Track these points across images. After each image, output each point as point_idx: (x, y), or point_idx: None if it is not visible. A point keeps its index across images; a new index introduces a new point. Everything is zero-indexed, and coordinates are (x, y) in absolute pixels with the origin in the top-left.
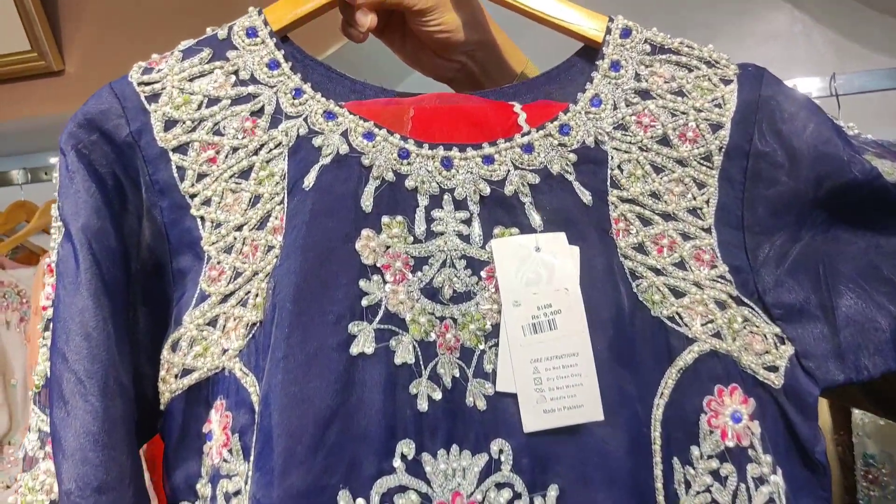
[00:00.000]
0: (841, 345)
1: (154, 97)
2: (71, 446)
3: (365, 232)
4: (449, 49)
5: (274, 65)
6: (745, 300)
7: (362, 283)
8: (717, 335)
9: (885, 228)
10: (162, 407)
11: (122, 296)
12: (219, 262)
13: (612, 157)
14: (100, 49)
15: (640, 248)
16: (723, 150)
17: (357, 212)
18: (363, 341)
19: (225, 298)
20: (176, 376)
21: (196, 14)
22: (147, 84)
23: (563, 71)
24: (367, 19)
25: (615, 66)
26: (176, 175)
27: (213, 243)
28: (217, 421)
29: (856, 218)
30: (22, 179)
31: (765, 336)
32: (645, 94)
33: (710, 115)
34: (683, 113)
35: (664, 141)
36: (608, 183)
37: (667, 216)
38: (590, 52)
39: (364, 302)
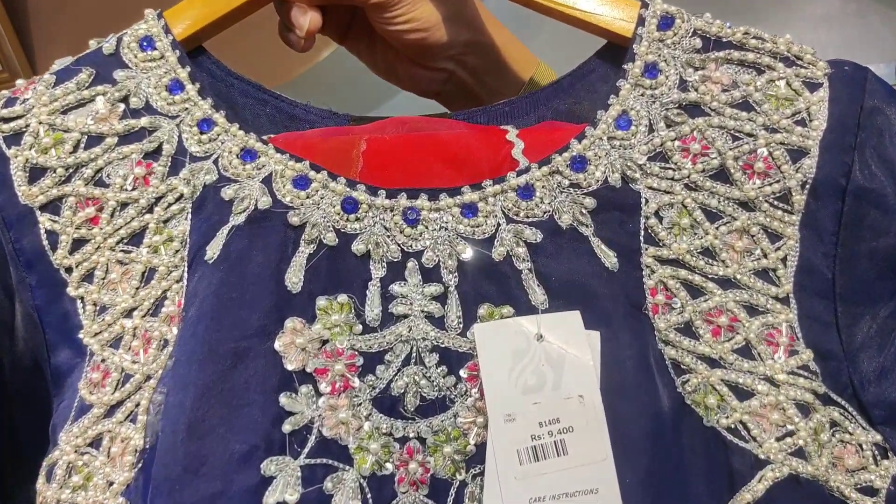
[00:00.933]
0: None
1: (15, 138)
2: None
3: (290, 323)
4: (428, 54)
5: (176, 87)
6: (835, 398)
7: (283, 400)
8: (800, 453)
9: None
10: None
11: None
12: (103, 361)
13: (647, 201)
14: None
15: (687, 329)
16: (807, 186)
17: (279, 293)
18: (282, 486)
19: (111, 411)
20: None
21: None
22: (6, 121)
23: (578, 79)
24: (306, 19)
25: (651, 70)
26: (45, 242)
27: (96, 334)
28: None
29: None
30: None
31: (860, 446)
32: (694, 110)
33: (788, 138)
34: (750, 135)
35: (721, 176)
36: (641, 237)
37: (726, 283)
38: (616, 51)
39: (286, 427)
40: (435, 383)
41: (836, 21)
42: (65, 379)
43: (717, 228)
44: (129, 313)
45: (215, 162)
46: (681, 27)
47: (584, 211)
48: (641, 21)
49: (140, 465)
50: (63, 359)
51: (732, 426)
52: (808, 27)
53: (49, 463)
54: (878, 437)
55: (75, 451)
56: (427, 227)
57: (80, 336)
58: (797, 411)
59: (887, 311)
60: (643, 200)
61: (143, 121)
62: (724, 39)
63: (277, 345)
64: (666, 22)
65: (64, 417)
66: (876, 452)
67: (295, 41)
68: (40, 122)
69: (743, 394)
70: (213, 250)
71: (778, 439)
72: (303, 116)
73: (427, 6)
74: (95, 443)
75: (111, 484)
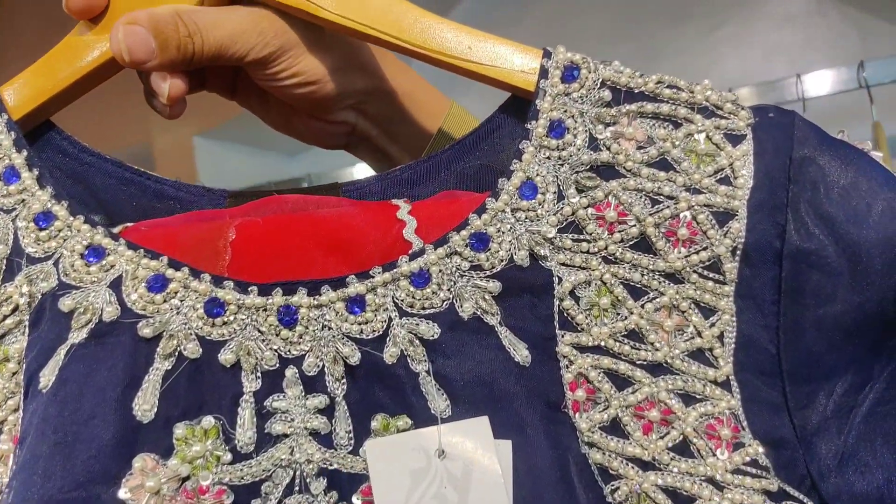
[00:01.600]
0: None
1: None
2: None
3: (139, 462)
4: (323, 106)
5: (10, 175)
6: (792, 493)
7: None
8: None
9: None
10: None
11: None
12: None
13: (561, 280)
14: None
15: (614, 427)
16: (738, 252)
17: (125, 425)
18: None
19: None
20: None
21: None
22: None
23: (482, 137)
24: (166, 86)
25: (557, 128)
26: None
27: None
28: None
29: None
30: None
31: None
32: (608, 171)
33: (712, 199)
34: (670, 197)
35: (643, 245)
36: (556, 323)
37: (656, 368)
38: (520, 104)
39: None
40: None
41: (800, 21)
42: None
43: (642, 306)
44: None
45: (56, 263)
46: (587, 78)
47: (487, 297)
48: (544, 72)
49: None
50: None
51: None
52: (771, 26)
53: None
54: None
55: None
56: (307, 328)
57: None
58: None
59: (844, 386)
60: (556, 279)
61: None
62: (636, 90)
63: (122, 492)
64: (570, 73)
65: None
66: None
67: (160, 108)
68: None
69: (683, 500)
70: (47, 377)
71: None
72: (171, 194)
73: (310, 58)
74: None
75: None
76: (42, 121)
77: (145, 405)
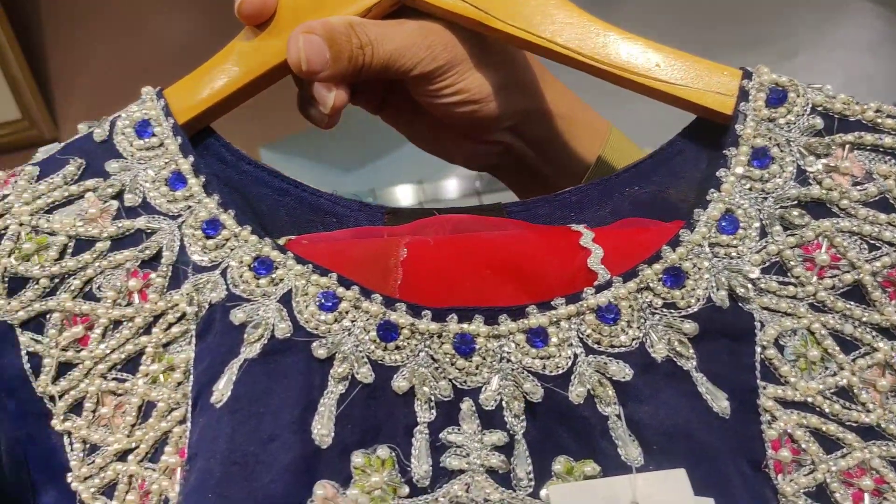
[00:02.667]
0: None
1: None
2: None
3: (320, 490)
4: (481, 127)
5: (177, 181)
6: None
7: None
8: None
9: None
10: None
11: None
12: None
13: (763, 326)
14: (95, 116)
15: (820, 493)
16: None
17: (304, 451)
18: None
19: None
20: None
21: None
22: None
23: (662, 163)
24: (331, 97)
25: (761, 157)
26: (27, 365)
27: (86, 479)
28: None
29: None
30: None
31: None
32: (818, 209)
33: None
34: (891, 244)
35: (856, 294)
36: (758, 373)
37: (867, 432)
38: (708, 127)
39: None
40: None
41: (882, 48)
42: None
43: (853, 362)
44: (123, 455)
45: (223, 273)
46: (796, 102)
47: (683, 339)
48: (745, 94)
49: None
50: (51, 503)
51: None
52: (852, 56)
53: None
54: None
55: None
56: (485, 359)
57: (70, 480)
58: None
59: None
60: (757, 325)
61: (140, 222)
62: (852, 118)
63: None
64: (777, 96)
65: None
66: None
67: (318, 118)
68: (21, 224)
69: None
70: (220, 392)
71: None
72: (328, 208)
73: (476, 75)
74: None
75: None
76: (202, 127)
77: (323, 430)
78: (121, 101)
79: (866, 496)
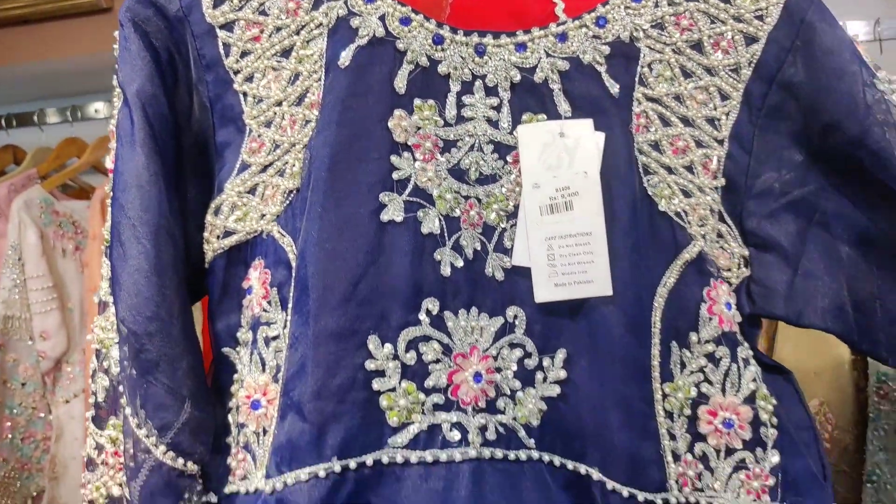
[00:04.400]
0: (795, 289)
1: None
2: (126, 281)
3: (397, 112)
4: None
5: None
6: (726, 218)
7: (394, 159)
8: (704, 237)
9: (878, 210)
10: (206, 265)
11: (172, 160)
12: (259, 136)
13: (644, 55)
14: None
15: (656, 146)
16: (752, 64)
17: (390, 92)
18: (393, 210)
19: (264, 168)
20: (218, 237)
21: None
22: None
23: None
24: None
25: None
26: (222, 51)
27: (255, 117)
28: (256, 277)
29: (863, 188)
30: (72, 117)
31: (732, 254)
32: None
33: (748, 28)
34: (722, 21)
35: (698, 47)
36: (636, 79)
37: (686, 121)
38: None
39: (395, 176)
40: (489, 164)
41: None
42: (226, 148)
43: (687, 83)
44: (279, 103)
45: (345, 2)
46: None
47: (600, 55)
48: None
49: (288, 201)
50: (227, 135)
51: (678, 212)
52: None
53: (217, 204)
54: (747, 253)
55: (237, 195)
56: (490, 58)
57: (244, 118)
58: (709, 213)
59: (790, 175)
60: (642, 55)
61: None
62: None
63: (390, 123)
64: None
65: (228, 174)
66: (740, 262)
67: None
68: None
69: (686, 193)
70: (344, 59)
71: (699, 226)
72: None
73: None
74: (252, 190)
75: (263, 215)
76: None
77: (400, 84)
78: None
79: (678, 151)
